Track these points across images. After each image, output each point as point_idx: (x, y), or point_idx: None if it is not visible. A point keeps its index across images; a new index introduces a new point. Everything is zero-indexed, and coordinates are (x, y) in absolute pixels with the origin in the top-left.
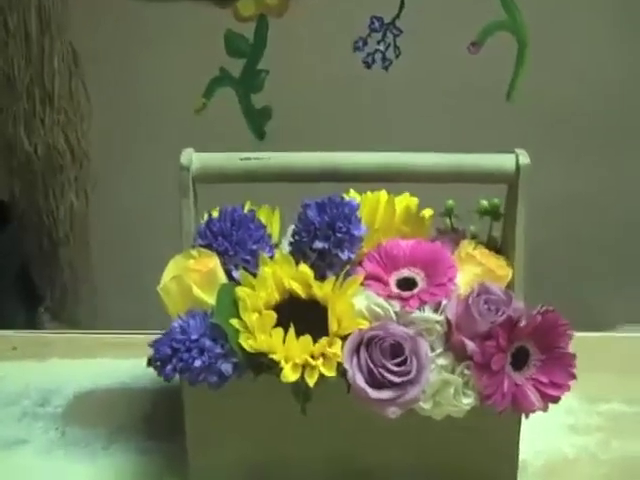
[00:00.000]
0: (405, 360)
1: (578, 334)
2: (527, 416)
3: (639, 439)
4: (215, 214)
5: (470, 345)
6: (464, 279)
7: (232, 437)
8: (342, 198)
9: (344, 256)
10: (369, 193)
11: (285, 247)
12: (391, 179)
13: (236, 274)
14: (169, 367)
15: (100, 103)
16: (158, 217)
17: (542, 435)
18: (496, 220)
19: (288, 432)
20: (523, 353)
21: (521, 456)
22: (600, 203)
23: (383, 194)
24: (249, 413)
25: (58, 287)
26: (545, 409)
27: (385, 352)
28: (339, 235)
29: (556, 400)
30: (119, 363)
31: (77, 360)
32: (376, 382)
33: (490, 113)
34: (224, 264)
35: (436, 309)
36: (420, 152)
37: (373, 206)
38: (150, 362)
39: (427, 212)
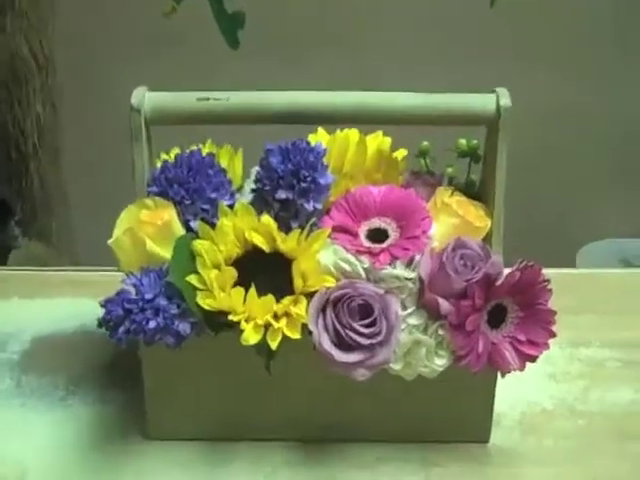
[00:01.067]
0: (374, 321)
1: (558, 270)
2: (503, 375)
3: (620, 387)
4: (171, 158)
5: (444, 304)
6: (439, 231)
7: (192, 392)
8: (307, 143)
9: (309, 206)
10: (339, 132)
11: (248, 193)
12: (363, 121)
13: (194, 225)
14: (122, 329)
15: (64, 5)
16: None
17: (518, 385)
18: (475, 162)
19: (251, 388)
20: (501, 310)
21: (496, 408)
22: (587, 114)
23: (354, 133)
24: (209, 369)
25: (28, 200)
26: (522, 369)
27: (353, 312)
28: (304, 185)
29: (534, 359)
30: (82, 303)
31: (36, 300)
32: (343, 344)
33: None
34: (181, 214)
35: (408, 265)
36: (395, 91)
37: (342, 147)
38: (101, 323)
39: (400, 153)
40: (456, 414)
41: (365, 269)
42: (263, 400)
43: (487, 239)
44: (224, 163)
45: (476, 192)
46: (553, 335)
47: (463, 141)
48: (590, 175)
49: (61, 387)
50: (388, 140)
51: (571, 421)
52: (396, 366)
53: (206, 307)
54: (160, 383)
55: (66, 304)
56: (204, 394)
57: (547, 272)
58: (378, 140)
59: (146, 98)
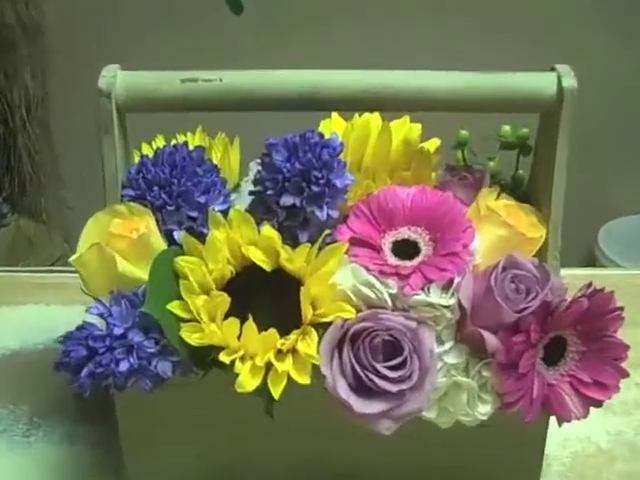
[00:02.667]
0: (404, 362)
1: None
2: (560, 423)
3: None
4: (150, 152)
5: (491, 340)
6: (484, 245)
7: (177, 438)
8: (320, 136)
9: (322, 215)
10: (357, 117)
11: (246, 195)
12: (389, 107)
13: (178, 236)
14: (85, 373)
15: None
16: None
17: None
18: (524, 155)
19: (248, 433)
20: (559, 343)
21: None
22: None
23: (375, 119)
24: (197, 413)
25: (17, 176)
26: (585, 416)
27: (377, 351)
28: (315, 189)
29: (600, 404)
30: (55, 312)
31: (2, 308)
32: (364, 390)
33: None
34: (162, 224)
35: (445, 289)
36: (429, 70)
37: (362, 136)
38: (58, 367)
39: (432, 144)
40: (499, 463)
41: (392, 295)
42: (263, 447)
43: (541, 253)
44: (217, 157)
45: (524, 191)
46: (625, 375)
47: (508, 128)
48: (609, 149)
49: (24, 419)
50: (417, 128)
51: (632, 464)
52: (429, 414)
53: (192, 343)
54: (138, 428)
55: (36, 312)
56: (192, 441)
57: (584, 272)
58: (405, 128)
59: (118, 79)
